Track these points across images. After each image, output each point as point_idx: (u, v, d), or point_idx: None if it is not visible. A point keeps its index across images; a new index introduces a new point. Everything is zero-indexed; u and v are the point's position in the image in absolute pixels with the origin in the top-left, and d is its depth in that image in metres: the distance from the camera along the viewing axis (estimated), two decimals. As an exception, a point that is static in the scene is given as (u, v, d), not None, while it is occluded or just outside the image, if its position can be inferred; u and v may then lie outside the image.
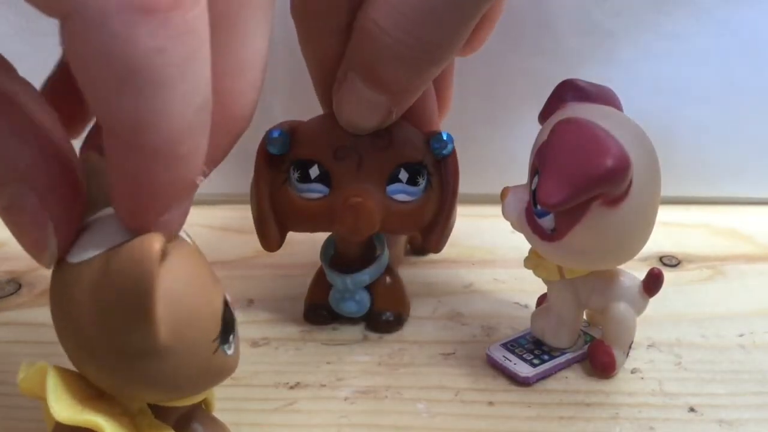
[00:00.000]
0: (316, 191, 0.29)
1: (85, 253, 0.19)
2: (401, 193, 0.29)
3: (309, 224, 0.30)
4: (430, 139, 0.29)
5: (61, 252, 0.20)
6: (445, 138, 0.29)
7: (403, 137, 0.29)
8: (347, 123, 0.28)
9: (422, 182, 0.29)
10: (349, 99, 0.27)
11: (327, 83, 0.28)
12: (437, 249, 0.31)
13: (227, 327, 0.21)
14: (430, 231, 0.30)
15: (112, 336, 0.19)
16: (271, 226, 0.30)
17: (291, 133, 0.29)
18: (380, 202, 0.28)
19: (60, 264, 0.20)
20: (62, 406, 0.20)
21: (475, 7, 0.25)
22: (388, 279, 0.32)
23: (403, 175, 0.28)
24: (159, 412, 0.22)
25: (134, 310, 0.18)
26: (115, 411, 0.21)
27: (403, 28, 0.24)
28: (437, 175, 0.30)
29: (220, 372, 0.21)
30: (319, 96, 0.30)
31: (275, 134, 0.29)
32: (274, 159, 0.29)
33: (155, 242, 0.18)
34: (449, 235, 0.31)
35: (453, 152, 0.29)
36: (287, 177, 0.29)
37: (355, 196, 0.28)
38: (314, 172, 0.28)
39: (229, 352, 0.21)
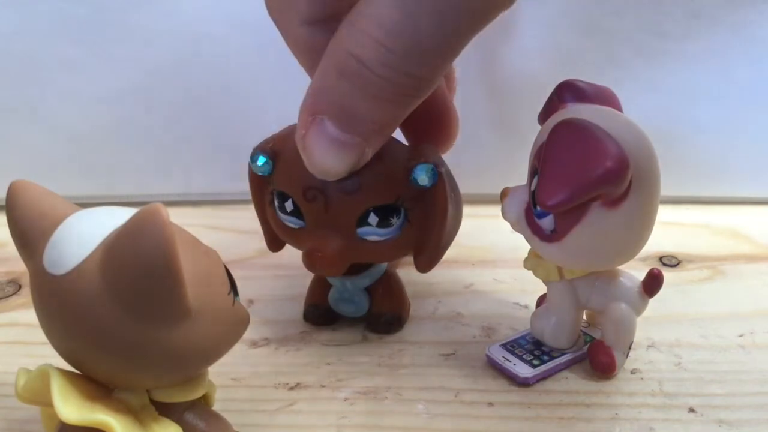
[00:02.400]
0: (293, 222, 0.29)
1: (72, 259, 0.20)
2: (372, 234, 0.28)
3: (292, 243, 0.30)
4: (411, 170, 0.27)
5: None
6: (424, 172, 0.27)
7: (375, 178, 0.27)
8: (317, 170, 0.26)
9: (396, 221, 0.28)
10: (319, 145, 0.25)
11: (310, 70, 0.27)
12: (424, 271, 0.30)
13: (232, 280, 0.22)
14: (419, 254, 0.30)
15: (140, 315, 0.19)
16: (269, 231, 0.31)
17: (273, 154, 0.28)
18: (345, 248, 0.28)
19: (45, 278, 0.20)
20: (70, 408, 0.20)
21: (465, 35, 0.23)
22: (387, 281, 0.32)
23: (373, 218, 0.27)
24: (161, 408, 0.22)
25: (162, 277, 0.19)
26: (120, 409, 0.21)
27: (391, 65, 0.23)
28: (420, 207, 0.28)
29: (243, 322, 0.22)
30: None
31: (258, 161, 0.28)
32: (263, 177, 0.29)
33: (162, 208, 0.18)
34: (440, 257, 0.30)
35: (438, 183, 0.27)
36: (272, 199, 0.29)
37: (315, 249, 0.27)
38: (289, 206, 0.28)
39: (241, 303, 0.22)
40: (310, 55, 0.27)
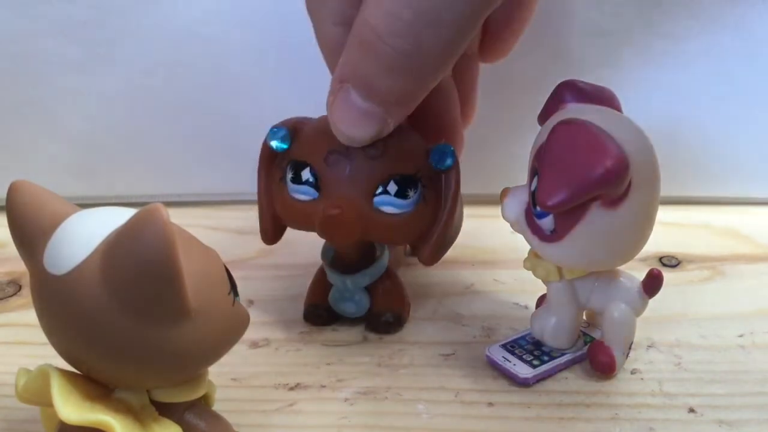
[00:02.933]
0: (306, 194, 0.28)
1: (72, 259, 0.20)
2: (388, 205, 0.28)
3: (299, 224, 0.30)
4: (430, 150, 0.29)
5: None
6: (444, 152, 0.28)
7: (398, 148, 0.28)
8: (342, 136, 0.27)
9: (413, 195, 0.28)
10: (344, 111, 0.26)
11: (334, 68, 0.28)
12: (428, 263, 0.30)
13: (232, 280, 0.22)
14: (422, 244, 0.30)
15: (140, 315, 0.19)
16: (268, 219, 0.31)
17: (293, 131, 0.29)
18: (362, 214, 0.28)
19: (45, 278, 0.20)
20: (70, 408, 0.20)
21: (477, 11, 0.24)
22: (387, 280, 0.32)
23: (392, 187, 0.28)
24: (162, 408, 0.22)
25: (162, 277, 0.19)
26: (120, 409, 0.21)
27: (403, 36, 0.24)
28: (434, 189, 0.29)
29: (243, 322, 0.22)
30: None
31: (279, 133, 0.29)
32: (277, 155, 0.29)
33: (162, 208, 0.18)
34: (446, 250, 0.30)
35: (454, 166, 0.29)
36: (283, 175, 0.29)
37: (334, 207, 0.27)
38: (306, 174, 0.28)
39: (241, 303, 0.22)
40: (338, 55, 0.27)
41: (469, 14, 0.24)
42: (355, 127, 0.26)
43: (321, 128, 0.28)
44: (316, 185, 0.28)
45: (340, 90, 0.26)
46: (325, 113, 0.29)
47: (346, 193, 0.28)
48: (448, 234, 0.30)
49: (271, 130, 0.29)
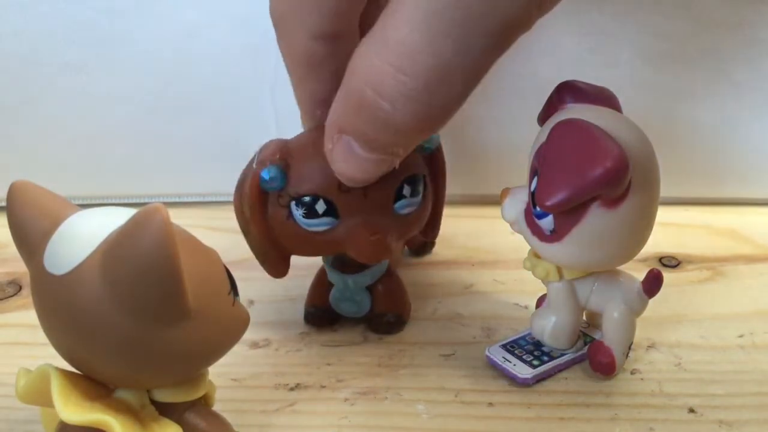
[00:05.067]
0: (324, 224, 0.28)
1: (72, 259, 0.20)
2: (406, 207, 0.29)
3: (318, 251, 0.30)
4: None
5: None
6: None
7: None
8: (348, 181, 0.26)
9: (421, 188, 0.29)
10: (347, 160, 0.25)
11: (301, 82, 0.28)
12: (434, 237, 0.33)
13: (232, 280, 0.22)
14: (428, 223, 0.31)
15: (140, 315, 0.19)
16: (275, 258, 0.30)
17: (284, 167, 0.28)
18: (392, 227, 0.28)
19: (45, 278, 0.20)
20: (70, 408, 0.20)
21: (487, 59, 0.22)
22: (388, 280, 0.32)
23: (406, 189, 0.28)
24: (162, 408, 0.22)
25: (162, 277, 0.19)
26: (120, 409, 0.21)
27: (411, 97, 0.22)
28: (429, 173, 0.30)
29: (243, 322, 0.22)
30: (296, 96, 0.29)
31: (268, 175, 0.28)
32: (271, 194, 0.28)
33: (162, 208, 0.18)
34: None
35: (439, 146, 0.30)
36: (290, 212, 0.28)
37: (372, 233, 0.28)
38: (320, 207, 0.28)
39: (242, 303, 0.22)
40: (308, 68, 0.27)
41: (484, 63, 0.22)
42: (359, 172, 0.25)
43: (319, 156, 0.26)
44: (333, 213, 0.28)
45: (340, 140, 0.24)
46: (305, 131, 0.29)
47: (369, 212, 0.28)
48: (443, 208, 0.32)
49: (263, 177, 0.28)
